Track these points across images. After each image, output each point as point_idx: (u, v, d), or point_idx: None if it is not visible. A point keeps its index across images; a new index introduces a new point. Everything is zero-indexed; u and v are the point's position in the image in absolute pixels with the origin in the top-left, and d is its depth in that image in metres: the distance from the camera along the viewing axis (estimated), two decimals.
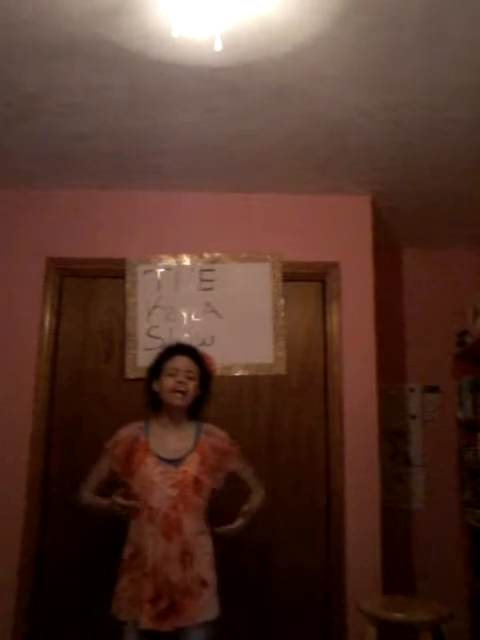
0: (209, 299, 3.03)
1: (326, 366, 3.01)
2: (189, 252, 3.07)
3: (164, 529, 2.18)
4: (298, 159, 2.82)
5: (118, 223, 3.10)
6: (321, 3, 1.84)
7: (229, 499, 2.31)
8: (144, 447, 2.29)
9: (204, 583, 2.18)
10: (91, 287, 3.09)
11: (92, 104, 2.40)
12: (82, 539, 2.81)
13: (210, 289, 3.04)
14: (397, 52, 2.05)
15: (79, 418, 2.95)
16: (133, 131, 2.60)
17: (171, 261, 3.06)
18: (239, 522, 2.29)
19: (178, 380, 2.34)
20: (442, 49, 2.03)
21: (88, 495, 2.33)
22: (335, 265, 3.08)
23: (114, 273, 3.04)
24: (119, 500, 2.18)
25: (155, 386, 2.40)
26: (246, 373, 2.98)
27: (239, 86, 2.26)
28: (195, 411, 2.43)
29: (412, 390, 3.71)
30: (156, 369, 2.42)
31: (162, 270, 3.05)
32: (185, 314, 3.01)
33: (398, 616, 2.38)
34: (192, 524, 2.22)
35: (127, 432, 2.37)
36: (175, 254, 3.07)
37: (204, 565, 2.21)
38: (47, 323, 2.99)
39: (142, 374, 2.75)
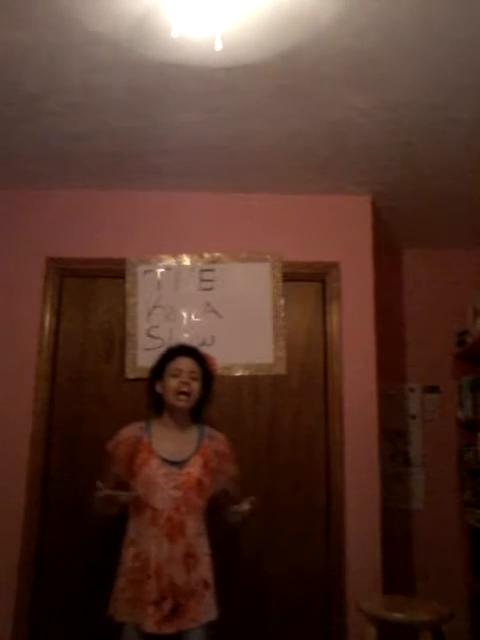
0: (209, 299, 3.03)
1: (326, 366, 3.01)
2: (189, 252, 3.07)
3: (168, 531, 2.18)
4: (298, 159, 2.82)
5: (118, 223, 3.11)
6: (321, 3, 1.84)
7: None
8: (147, 448, 2.29)
9: (206, 584, 2.20)
10: (91, 287, 3.09)
11: (92, 104, 2.40)
12: (82, 539, 2.80)
13: (210, 289, 3.04)
14: (397, 52, 2.05)
15: (79, 418, 2.95)
16: (133, 131, 2.60)
17: (171, 261, 3.06)
18: (245, 506, 2.25)
19: (182, 381, 2.34)
20: (442, 49, 2.03)
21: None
22: (335, 265, 3.08)
23: (114, 273, 3.04)
24: (107, 492, 2.12)
25: (158, 387, 2.40)
26: (246, 373, 2.98)
27: (239, 86, 2.26)
28: (197, 413, 2.43)
29: (412, 390, 3.71)
30: (158, 370, 2.42)
31: (162, 270, 3.05)
32: (185, 314, 3.01)
33: (398, 616, 2.38)
34: (194, 525, 2.23)
35: (129, 432, 2.36)
36: (175, 254, 3.07)
37: (205, 566, 2.22)
38: (47, 323, 2.99)
39: (142, 374, 2.76)
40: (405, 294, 3.81)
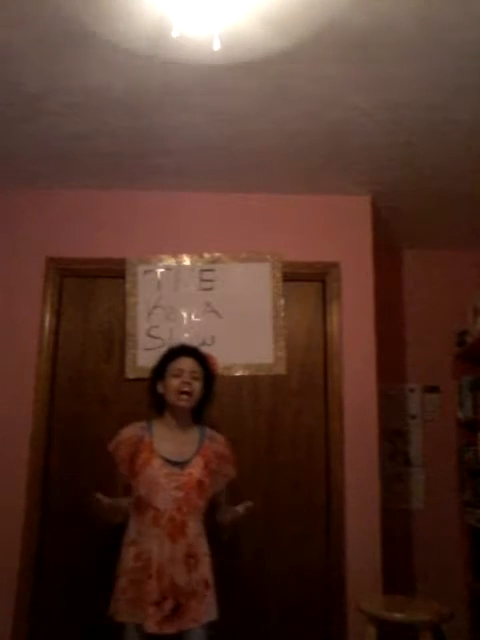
0: (209, 299, 3.03)
1: (326, 366, 3.01)
2: (189, 252, 3.07)
3: (170, 531, 2.18)
4: (298, 159, 2.82)
5: (118, 223, 3.11)
6: (321, 3, 1.84)
7: None
8: (149, 448, 2.29)
9: (207, 584, 2.20)
10: (91, 287, 3.09)
11: (92, 104, 2.40)
12: (82, 538, 2.80)
13: (210, 289, 3.04)
14: (397, 52, 2.05)
15: (79, 418, 2.94)
16: (133, 131, 2.60)
17: (171, 261, 3.06)
18: (240, 509, 2.28)
19: (183, 381, 2.34)
20: (442, 49, 2.04)
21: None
22: (335, 265, 3.08)
23: (114, 273, 3.04)
24: (108, 501, 2.13)
25: (160, 388, 2.40)
26: (246, 373, 2.98)
27: (239, 86, 2.26)
28: (199, 413, 2.44)
29: (412, 390, 3.71)
30: (160, 370, 2.42)
31: (162, 270, 3.05)
32: (185, 314, 3.01)
33: (398, 616, 2.38)
34: (195, 526, 2.23)
35: (130, 432, 2.36)
36: (175, 254, 3.07)
37: (206, 566, 2.22)
38: (47, 323, 2.99)
39: (142, 374, 2.76)
40: (405, 294, 3.81)
